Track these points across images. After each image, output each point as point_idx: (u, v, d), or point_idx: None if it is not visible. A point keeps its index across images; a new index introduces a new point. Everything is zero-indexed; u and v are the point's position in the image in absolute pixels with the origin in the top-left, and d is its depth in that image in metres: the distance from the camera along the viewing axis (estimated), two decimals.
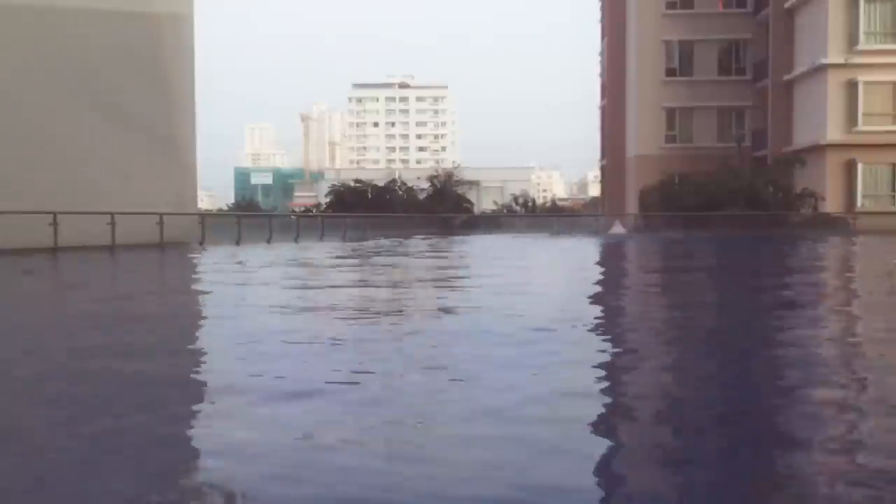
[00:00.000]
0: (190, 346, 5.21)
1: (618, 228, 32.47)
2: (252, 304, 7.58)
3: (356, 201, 39.88)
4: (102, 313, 6.93)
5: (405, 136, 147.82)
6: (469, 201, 45.01)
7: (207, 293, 9.20)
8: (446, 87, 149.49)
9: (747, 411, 3.18)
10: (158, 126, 21.48)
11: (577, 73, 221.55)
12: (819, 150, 31.91)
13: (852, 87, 31.33)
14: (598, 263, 15.61)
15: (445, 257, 16.73)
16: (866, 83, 31.20)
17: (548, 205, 64.21)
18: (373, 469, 2.42)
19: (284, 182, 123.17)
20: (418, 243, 23.00)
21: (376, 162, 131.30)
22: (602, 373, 3.84)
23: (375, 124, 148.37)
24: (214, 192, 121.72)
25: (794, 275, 11.55)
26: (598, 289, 9.50)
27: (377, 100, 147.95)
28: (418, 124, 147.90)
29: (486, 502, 2.15)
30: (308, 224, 29.92)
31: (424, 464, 2.48)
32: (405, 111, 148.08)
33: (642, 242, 24.38)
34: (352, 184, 43.56)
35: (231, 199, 79.74)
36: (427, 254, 17.98)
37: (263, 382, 3.64)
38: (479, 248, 20.31)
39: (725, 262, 15.70)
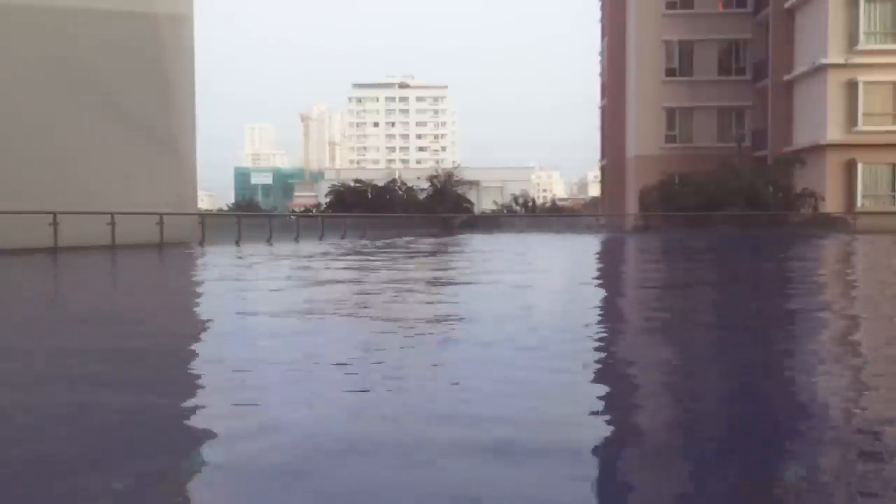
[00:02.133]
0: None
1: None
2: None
3: (356, 201, 39.93)
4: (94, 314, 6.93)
5: (405, 136, 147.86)
6: (469, 201, 45.07)
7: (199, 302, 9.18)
8: (446, 87, 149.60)
9: None
10: (158, 126, 21.49)
11: (578, 73, 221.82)
12: (819, 150, 31.91)
13: (852, 87, 31.33)
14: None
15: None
16: (866, 83, 31.20)
17: (548, 205, 64.28)
18: None
19: (284, 182, 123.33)
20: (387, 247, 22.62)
21: (376, 162, 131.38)
22: None
23: (375, 124, 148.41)
24: (214, 193, 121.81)
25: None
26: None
27: (377, 100, 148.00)
28: (418, 124, 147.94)
29: None
30: (308, 224, 29.94)
31: None
32: (405, 111, 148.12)
33: (657, 244, 23.35)
34: (352, 184, 43.62)
35: (231, 200, 79.94)
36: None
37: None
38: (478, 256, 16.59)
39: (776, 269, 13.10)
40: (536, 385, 3.56)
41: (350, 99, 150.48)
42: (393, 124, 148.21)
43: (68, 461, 2.53)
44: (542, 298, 8.19)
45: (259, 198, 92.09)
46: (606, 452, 2.61)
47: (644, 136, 38.60)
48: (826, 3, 31.44)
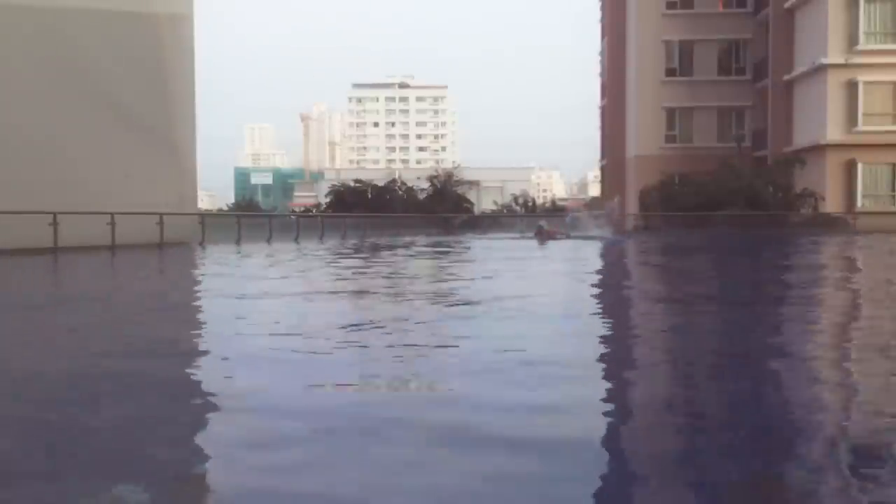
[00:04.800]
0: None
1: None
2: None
3: (356, 201, 39.90)
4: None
5: (405, 136, 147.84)
6: (469, 201, 45.03)
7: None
8: (446, 87, 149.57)
9: None
10: (158, 126, 21.48)
11: (577, 73, 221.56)
12: (819, 150, 31.91)
13: (852, 87, 31.32)
14: None
15: None
16: (866, 83, 31.20)
17: (548, 205, 64.26)
18: None
19: (284, 182, 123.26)
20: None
21: (376, 162, 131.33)
22: None
23: (375, 124, 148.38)
24: (214, 193, 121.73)
25: None
26: None
27: (377, 100, 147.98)
28: (418, 124, 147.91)
29: None
30: (308, 224, 29.92)
31: None
32: (405, 111, 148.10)
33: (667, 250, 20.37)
34: (352, 184, 43.58)
35: (231, 199, 79.82)
36: None
37: None
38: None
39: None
40: None
41: (350, 99, 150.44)
42: (393, 124, 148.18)
43: None
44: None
45: (259, 198, 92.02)
46: None
47: (644, 136, 38.59)
48: (826, 3, 31.43)
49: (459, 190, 43.79)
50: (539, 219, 29.86)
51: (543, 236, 23.91)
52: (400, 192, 43.14)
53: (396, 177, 48.50)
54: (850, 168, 31.60)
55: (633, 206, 37.34)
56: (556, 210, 53.43)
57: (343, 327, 5.54)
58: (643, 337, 5.39)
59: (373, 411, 3.12)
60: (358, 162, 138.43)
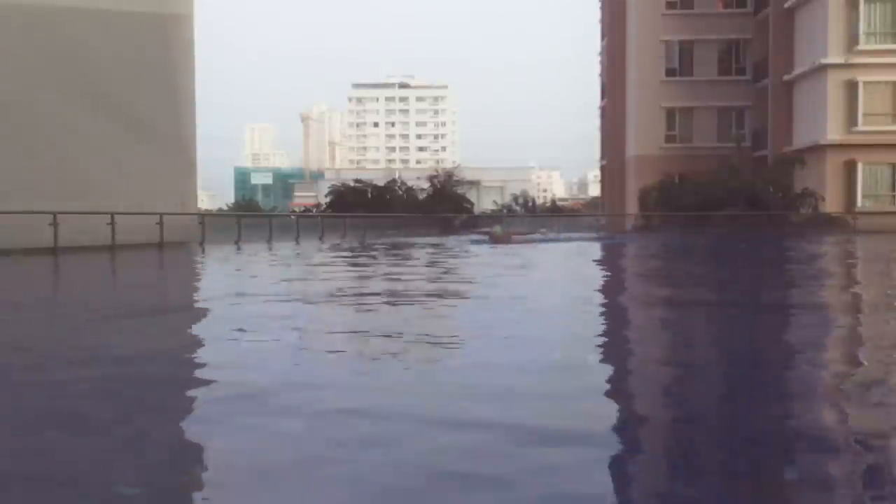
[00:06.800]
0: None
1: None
2: None
3: (356, 201, 39.93)
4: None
5: (405, 136, 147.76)
6: (469, 201, 45.08)
7: None
8: (446, 87, 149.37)
9: None
10: (159, 126, 21.46)
11: (577, 73, 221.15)
12: (819, 150, 31.90)
13: (852, 87, 31.31)
14: None
15: None
16: (866, 83, 31.18)
17: (548, 205, 64.35)
18: None
19: (284, 182, 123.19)
20: None
21: (376, 162, 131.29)
22: None
23: (375, 124, 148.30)
24: (214, 192, 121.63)
25: None
26: None
27: (377, 100, 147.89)
28: (418, 124, 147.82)
29: None
30: (308, 224, 29.91)
31: None
32: (405, 111, 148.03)
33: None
34: (352, 184, 43.65)
35: (231, 199, 79.78)
36: None
37: None
38: None
39: None
40: None
41: (350, 99, 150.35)
42: (393, 124, 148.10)
43: None
44: None
45: (259, 198, 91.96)
46: None
47: (644, 136, 38.55)
48: (826, 3, 31.42)
49: (459, 190, 43.85)
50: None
51: (499, 240, 22.12)
52: (400, 192, 43.20)
53: (396, 177, 48.59)
54: (850, 168, 31.59)
55: (633, 206, 37.35)
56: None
57: None
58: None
59: None
60: (358, 162, 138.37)
